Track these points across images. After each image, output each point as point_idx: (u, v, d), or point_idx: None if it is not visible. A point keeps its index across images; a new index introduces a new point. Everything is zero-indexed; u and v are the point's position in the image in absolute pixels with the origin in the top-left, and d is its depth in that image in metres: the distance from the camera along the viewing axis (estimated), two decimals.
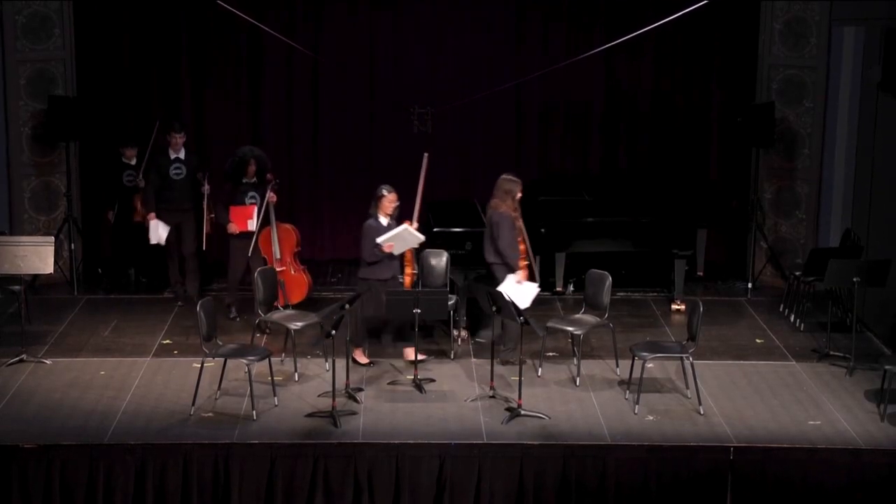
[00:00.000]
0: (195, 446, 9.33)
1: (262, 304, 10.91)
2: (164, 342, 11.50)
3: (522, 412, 9.88)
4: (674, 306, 12.55)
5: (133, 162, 12.81)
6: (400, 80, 13.77)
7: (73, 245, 13.10)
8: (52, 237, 12.09)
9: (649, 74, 13.90)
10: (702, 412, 10.02)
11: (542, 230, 12.37)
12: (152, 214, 12.32)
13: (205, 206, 12.20)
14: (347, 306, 9.95)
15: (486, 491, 9.35)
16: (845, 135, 13.25)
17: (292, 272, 12.07)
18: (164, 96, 13.73)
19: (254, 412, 9.85)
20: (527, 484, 9.37)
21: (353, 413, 9.92)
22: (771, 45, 13.38)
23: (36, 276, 12.36)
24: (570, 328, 10.84)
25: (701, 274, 12.81)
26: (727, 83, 13.81)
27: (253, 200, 11.87)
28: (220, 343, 10.61)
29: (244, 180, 11.89)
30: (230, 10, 11.59)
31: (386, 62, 13.86)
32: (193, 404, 9.92)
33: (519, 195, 10.86)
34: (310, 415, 9.88)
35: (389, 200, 10.82)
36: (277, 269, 11.65)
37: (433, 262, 11.49)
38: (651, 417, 9.96)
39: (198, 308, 10.09)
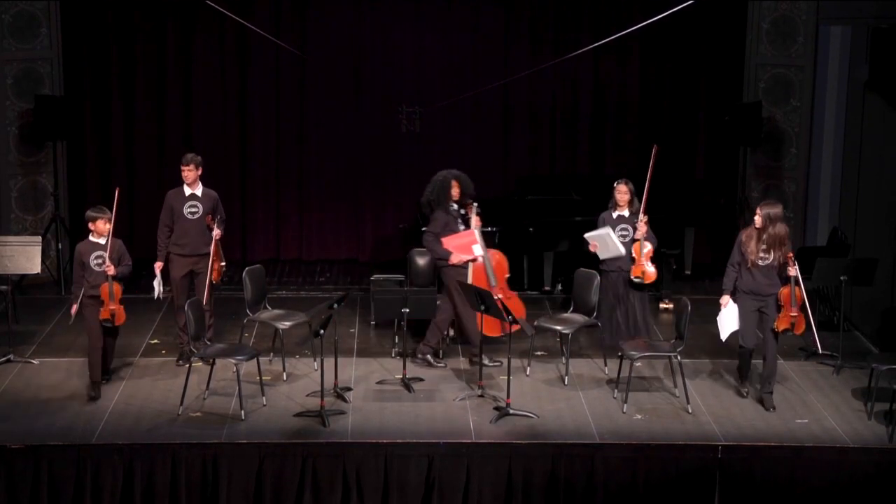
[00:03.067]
0: (183, 446, 9.32)
1: (250, 304, 10.89)
2: (152, 342, 11.48)
3: (511, 411, 9.89)
4: (661, 305, 12.57)
5: (104, 240, 10.12)
6: (387, 80, 13.78)
7: (60, 245, 13.08)
8: (40, 237, 12.09)
9: (636, 74, 13.92)
10: (690, 411, 10.04)
11: (530, 229, 12.38)
12: (159, 264, 10.78)
13: (212, 253, 10.66)
14: (336, 306, 9.94)
15: (474, 490, 9.35)
16: (832, 134, 13.29)
17: (506, 299, 10.65)
18: (151, 95, 13.70)
19: (242, 412, 9.83)
20: (515, 483, 9.37)
21: (342, 412, 9.91)
22: (758, 44, 13.42)
23: (23, 276, 12.33)
24: (558, 327, 10.84)
25: (688, 273, 12.84)
26: (714, 82, 13.84)
27: (464, 225, 10.91)
28: (209, 343, 10.61)
29: (452, 205, 10.89)
30: (217, 8, 11.58)
31: (373, 62, 13.86)
32: (181, 404, 9.90)
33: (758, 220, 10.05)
34: (298, 414, 9.88)
35: (619, 192, 10.81)
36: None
37: (421, 261, 11.48)
38: (639, 416, 9.97)
39: (185, 308, 10.08)
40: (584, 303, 10.95)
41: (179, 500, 9.30)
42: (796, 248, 12.43)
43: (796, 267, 9.88)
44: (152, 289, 10.73)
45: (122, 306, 10.07)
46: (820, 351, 10.37)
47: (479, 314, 10.24)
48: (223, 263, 10.87)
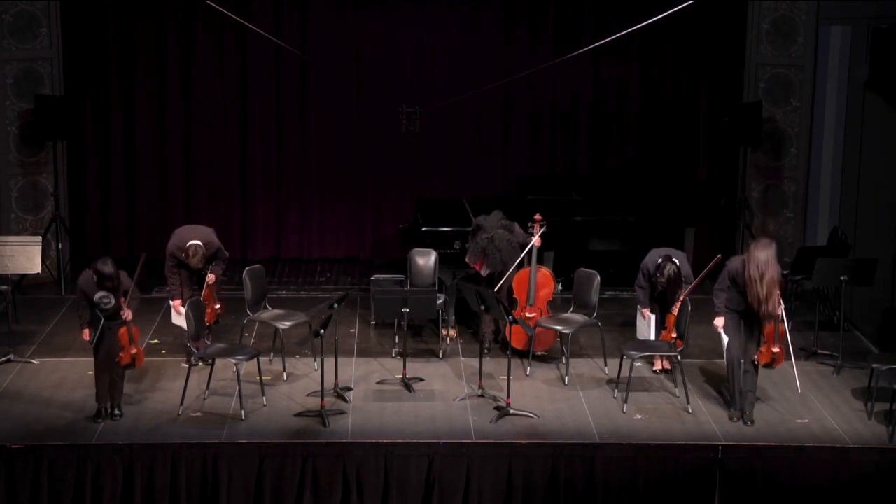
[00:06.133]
0: (183, 446, 9.32)
1: (250, 304, 10.89)
2: (153, 342, 11.47)
3: (511, 411, 9.89)
4: None
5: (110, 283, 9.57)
6: (387, 80, 13.76)
7: (60, 245, 13.07)
8: (40, 237, 12.09)
9: (637, 74, 13.91)
10: (690, 411, 10.04)
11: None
12: (178, 302, 10.59)
13: (203, 295, 10.46)
14: (336, 306, 9.94)
15: (474, 490, 9.36)
16: (832, 134, 13.28)
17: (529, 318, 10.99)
18: (151, 96, 13.69)
19: (242, 412, 9.83)
20: (515, 483, 9.37)
21: (342, 412, 9.91)
22: (758, 44, 13.41)
23: (23, 276, 12.31)
24: (558, 327, 10.84)
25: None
26: (714, 82, 13.83)
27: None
28: (209, 343, 10.61)
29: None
30: (217, 8, 11.57)
31: (373, 62, 13.85)
32: (182, 404, 9.90)
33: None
34: (298, 414, 9.88)
35: (660, 274, 10.42)
36: (528, 315, 10.90)
37: (421, 261, 11.48)
38: (639, 416, 9.97)
39: (185, 308, 10.08)
40: (585, 302, 10.94)
41: (179, 500, 9.30)
42: (796, 249, 12.47)
43: (783, 307, 9.72)
44: (179, 326, 10.58)
45: (142, 349, 9.79)
46: (799, 390, 10.04)
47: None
48: (218, 306, 10.67)
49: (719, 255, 10.48)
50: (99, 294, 9.49)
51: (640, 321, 10.72)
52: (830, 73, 13.23)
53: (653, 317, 10.58)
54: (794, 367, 9.85)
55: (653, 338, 10.56)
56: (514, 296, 11.03)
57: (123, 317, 9.57)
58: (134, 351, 9.63)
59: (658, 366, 10.82)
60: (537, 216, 10.98)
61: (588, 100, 14.01)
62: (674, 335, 10.35)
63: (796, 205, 13.57)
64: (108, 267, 9.49)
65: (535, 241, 10.87)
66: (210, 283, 10.55)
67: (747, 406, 9.89)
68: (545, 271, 11.13)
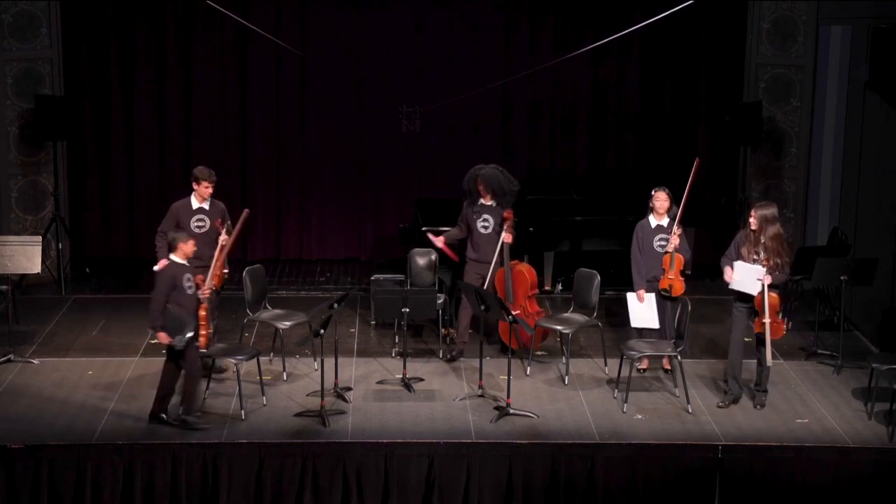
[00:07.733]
0: (183, 446, 9.33)
1: (250, 304, 10.89)
2: (153, 342, 11.44)
3: (511, 411, 9.89)
4: None
5: (187, 262, 9.72)
6: (387, 80, 13.77)
7: (60, 245, 13.07)
8: (40, 237, 12.08)
9: (636, 74, 13.92)
10: (690, 411, 10.04)
11: (531, 229, 12.38)
12: (163, 262, 10.23)
13: (214, 258, 10.29)
14: (336, 306, 9.94)
15: (474, 490, 9.36)
16: (832, 133, 13.29)
17: (525, 316, 10.89)
18: (151, 96, 13.69)
19: (242, 412, 9.83)
20: (516, 482, 9.38)
21: (342, 412, 9.92)
22: (758, 44, 13.42)
23: (23, 276, 12.31)
24: (558, 327, 10.84)
25: (689, 273, 12.81)
26: (715, 82, 13.84)
27: (485, 224, 10.96)
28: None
29: (480, 201, 10.97)
30: (217, 8, 11.58)
31: (373, 61, 13.86)
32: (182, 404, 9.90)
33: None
34: (298, 414, 9.88)
35: (657, 199, 10.58)
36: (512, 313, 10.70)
37: (421, 261, 11.49)
38: (639, 416, 9.98)
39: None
40: (585, 302, 10.95)
41: (179, 500, 9.30)
42: (796, 248, 12.46)
43: (767, 277, 9.83)
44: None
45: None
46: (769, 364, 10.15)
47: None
48: (226, 270, 10.70)
49: (699, 159, 10.63)
50: (185, 277, 9.49)
51: (634, 306, 10.51)
52: (830, 73, 13.23)
53: (651, 296, 10.49)
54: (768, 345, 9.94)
55: (655, 322, 10.43)
56: (497, 295, 10.97)
57: (203, 296, 9.57)
58: (211, 331, 9.75)
59: (644, 365, 10.79)
60: (507, 213, 10.88)
61: (588, 100, 14.01)
62: (675, 273, 10.36)
63: (796, 205, 13.58)
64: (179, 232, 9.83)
65: (505, 237, 10.81)
66: (224, 244, 10.38)
67: (758, 393, 10.07)
68: (522, 268, 11.08)
